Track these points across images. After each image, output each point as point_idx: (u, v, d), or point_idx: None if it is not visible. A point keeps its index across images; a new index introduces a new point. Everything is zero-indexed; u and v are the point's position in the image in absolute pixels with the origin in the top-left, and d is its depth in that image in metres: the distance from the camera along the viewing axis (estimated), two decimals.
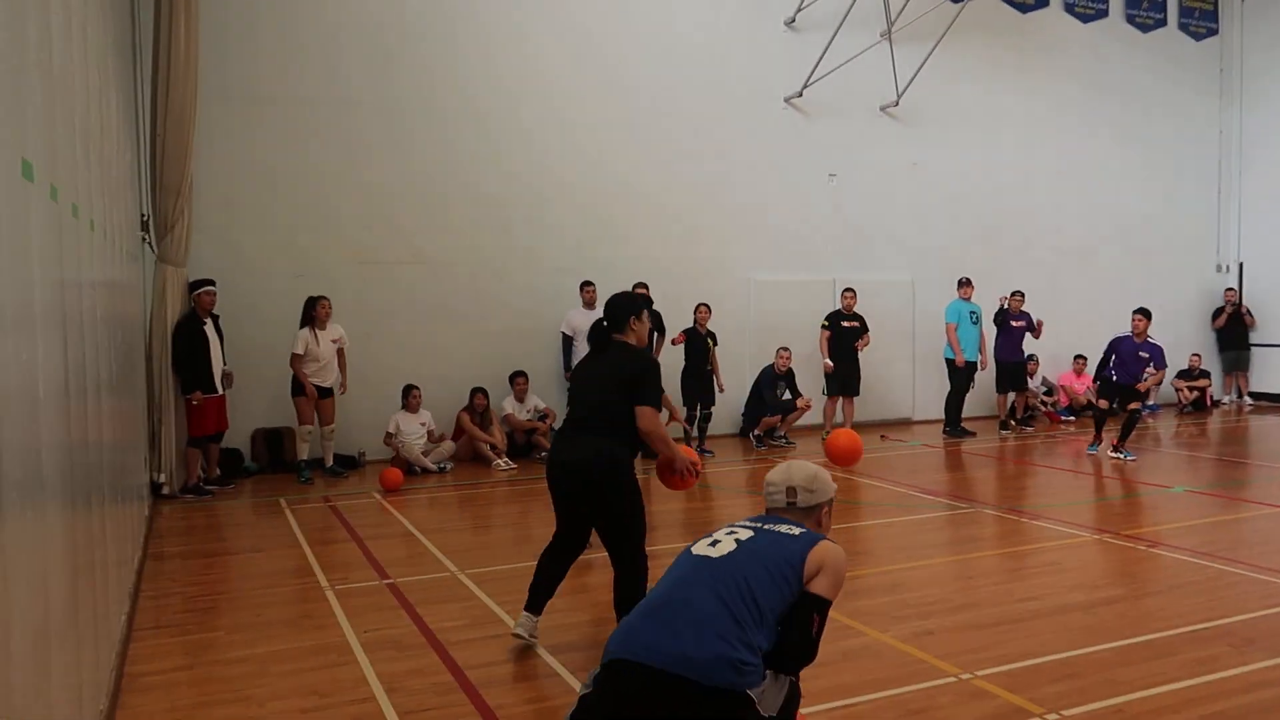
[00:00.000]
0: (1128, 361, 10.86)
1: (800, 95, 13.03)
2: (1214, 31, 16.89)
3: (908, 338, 13.85)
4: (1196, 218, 16.78)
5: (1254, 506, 8.32)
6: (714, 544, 3.05)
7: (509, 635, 4.88)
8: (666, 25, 12.43)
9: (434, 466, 10.11)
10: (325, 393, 9.71)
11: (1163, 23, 16.40)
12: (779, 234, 13.09)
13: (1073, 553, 6.73)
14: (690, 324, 11.42)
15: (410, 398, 10.31)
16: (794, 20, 13.03)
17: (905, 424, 13.84)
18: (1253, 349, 16.25)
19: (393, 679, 4.44)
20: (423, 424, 10.40)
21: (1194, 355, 15.88)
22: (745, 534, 3.07)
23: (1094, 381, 12.02)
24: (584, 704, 2.86)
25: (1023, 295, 13.07)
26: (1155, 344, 10.86)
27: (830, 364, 12.04)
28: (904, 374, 13.94)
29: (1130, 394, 10.83)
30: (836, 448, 8.02)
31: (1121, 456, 10.53)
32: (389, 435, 10.15)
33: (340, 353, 9.80)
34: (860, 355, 12.22)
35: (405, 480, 9.35)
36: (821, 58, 12.59)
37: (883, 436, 12.63)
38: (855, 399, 12.34)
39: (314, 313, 9.59)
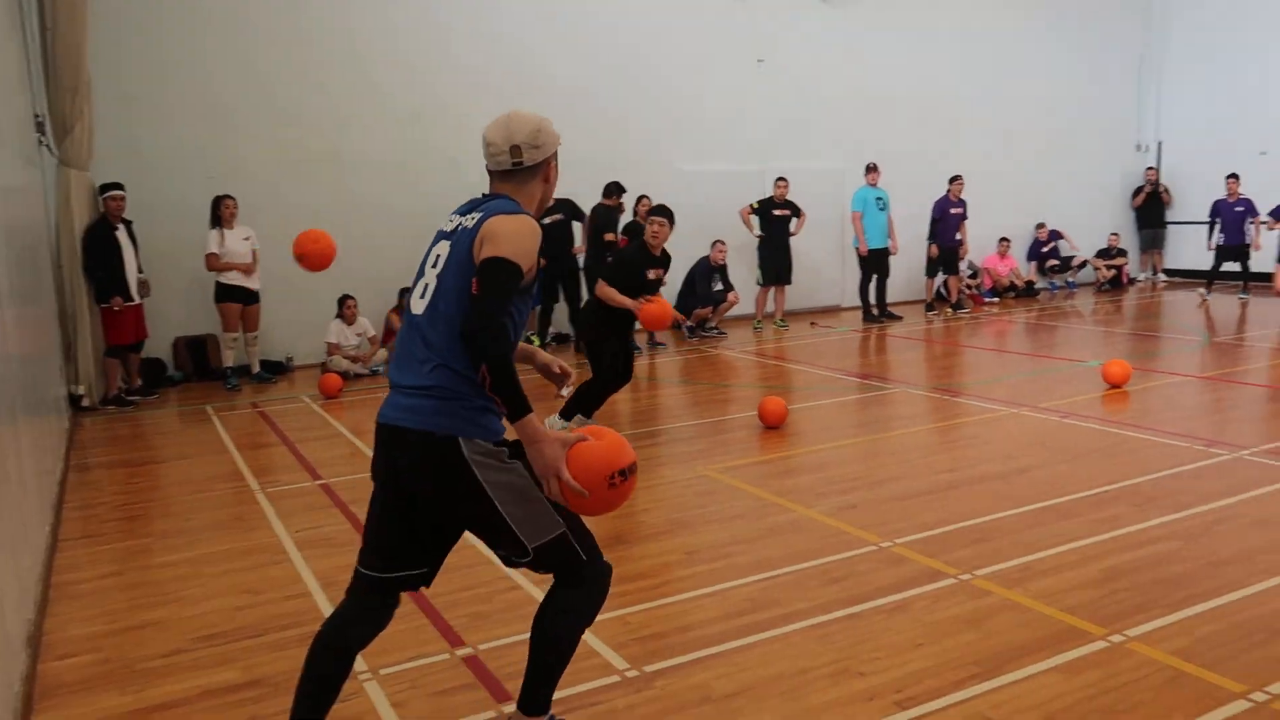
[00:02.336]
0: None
1: None
2: None
3: (837, 226, 13.93)
4: (1117, 97, 16.98)
5: (1161, 376, 8.69)
6: (423, 292, 2.72)
7: None
8: None
9: (367, 370, 10.01)
10: (250, 298, 9.49)
11: None
12: (708, 122, 12.91)
13: (991, 426, 6.99)
14: (632, 218, 11.41)
15: (345, 308, 10.08)
16: None
17: (835, 311, 14.05)
18: (1168, 227, 16.71)
19: (327, 574, 4.47)
20: (360, 334, 10.21)
21: (1112, 234, 16.28)
22: (440, 255, 2.72)
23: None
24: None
25: (962, 180, 13.18)
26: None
27: (755, 227, 12.17)
28: (833, 262, 14.06)
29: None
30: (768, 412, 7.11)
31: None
32: (334, 346, 9.98)
33: (254, 254, 9.51)
34: (792, 243, 12.30)
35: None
36: None
37: (812, 324, 12.82)
38: (787, 287, 12.46)
39: (219, 212, 9.31)
